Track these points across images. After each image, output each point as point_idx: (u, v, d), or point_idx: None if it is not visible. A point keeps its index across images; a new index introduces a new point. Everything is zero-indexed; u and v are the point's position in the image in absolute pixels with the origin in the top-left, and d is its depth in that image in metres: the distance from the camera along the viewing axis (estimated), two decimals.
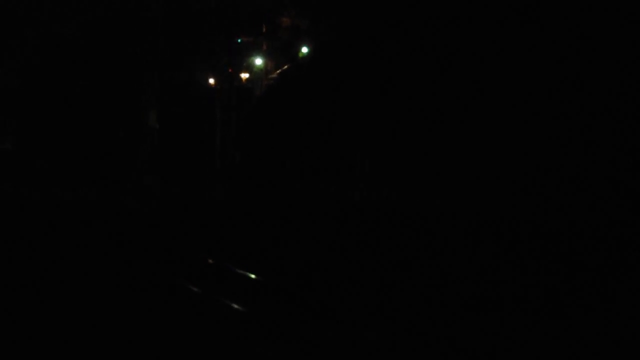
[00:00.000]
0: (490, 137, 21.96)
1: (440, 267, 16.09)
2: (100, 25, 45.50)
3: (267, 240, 21.30)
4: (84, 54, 48.46)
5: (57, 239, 21.44)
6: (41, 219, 27.66)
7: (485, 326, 10.91)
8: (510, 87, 21.17)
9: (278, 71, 38.26)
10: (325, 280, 14.71)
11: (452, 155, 23.55)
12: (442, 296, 13.10)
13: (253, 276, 14.93)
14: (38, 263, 17.06)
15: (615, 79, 18.08)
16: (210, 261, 17.14)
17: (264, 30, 38.42)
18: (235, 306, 12.11)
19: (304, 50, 36.37)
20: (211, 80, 40.37)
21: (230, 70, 38.12)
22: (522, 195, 19.61)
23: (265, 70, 39.14)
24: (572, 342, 10.14)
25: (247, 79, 38.84)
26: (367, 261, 17.37)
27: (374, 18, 29.15)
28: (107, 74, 48.74)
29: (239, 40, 38.76)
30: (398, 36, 27.32)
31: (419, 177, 24.80)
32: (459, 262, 16.33)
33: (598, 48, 18.55)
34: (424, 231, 20.77)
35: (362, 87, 29.32)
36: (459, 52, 23.72)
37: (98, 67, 48.64)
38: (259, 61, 38.99)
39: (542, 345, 10.02)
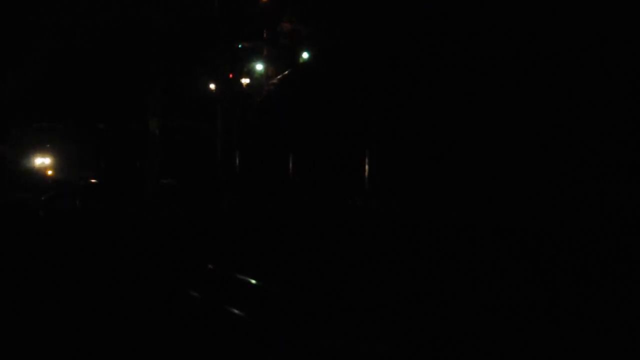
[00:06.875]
0: (495, 142, 21.75)
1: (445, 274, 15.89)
2: (104, 36, 45.42)
3: (268, 247, 21.14)
4: (89, 65, 48.49)
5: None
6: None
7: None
8: (515, 90, 20.97)
9: (279, 77, 38.10)
10: (329, 287, 14.49)
11: (456, 162, 23.34)
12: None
13: (254, 282, 14.80)
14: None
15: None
16: (210, 267, 17.00)
17: (264, 35, 38.31)
18: (235, 311, 11.92)
19: (305, 55, 36.24)
20: (212, 86, 40.19)
21: (230, 76, 37.91)
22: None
23: (266, 76, 38.97)
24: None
25: (247, 85, 38.66)
26: (371, 267, 17.16)
27: (374, 23, 29.00)
28: (110, 82, 48.76)
29: (240, 46, 38.60)
30: (399, 41, 27.16)
31: (424, 185, 24.59)
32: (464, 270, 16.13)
33: (599, 54, 18.36)
34: (430, 237, 20.56)
35: (363, 92, 29.15)
36: (460, 58, 23.55)
37: (103, 76, 48.67)
38: (259, 67, 38.85)
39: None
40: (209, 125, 41.56)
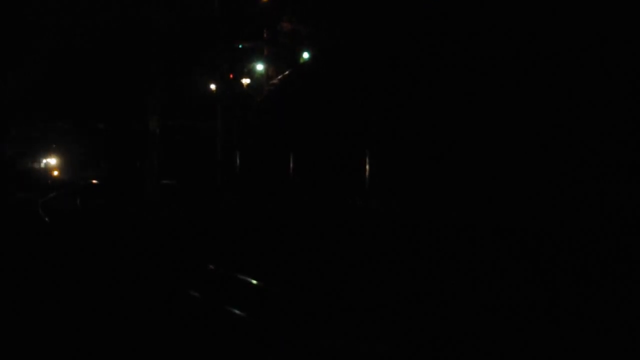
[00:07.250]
0: (494, 142, 21.73)
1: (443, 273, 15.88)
2: (104, 36, 45.51)
3: (268, 247, 21.14)
4: (89, 65, 48.56)
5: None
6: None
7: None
8: (515, 90, 20.94)
9: (279, 77, 38.08)
10: (329, 287, 14.49)
11: (456, 162, 23.31)
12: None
13: (254, 282, 14.79)
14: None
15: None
16: (211, 267, 16.99)
17: (264, 35, 38.31)
18: (235, 311, 11.90)
19: (305, 55, 36.22)
20: (212, 86, 40.17)
21: (231, 76, 37.91)
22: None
23: (266, 76, 38.96)
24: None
25: (248, 85, 38.65)
26: (371, 267, 17.16)
27: (374, 23, 28.98)
28: (110, 82, 48.81)
29: (240, 46, 38.61)
30: (399, 41, 27.14)
31: (424, 185, 24.57)
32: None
33: (599, 54, 18.32)
34: (429, 238, 20.55)
35: (363, 92, 29.13)
36: (460, 58, 23.52)
37: (103, 76, 48.72)
38: (260, 67, 38.85)
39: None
40: (209, 125, 41.56)
